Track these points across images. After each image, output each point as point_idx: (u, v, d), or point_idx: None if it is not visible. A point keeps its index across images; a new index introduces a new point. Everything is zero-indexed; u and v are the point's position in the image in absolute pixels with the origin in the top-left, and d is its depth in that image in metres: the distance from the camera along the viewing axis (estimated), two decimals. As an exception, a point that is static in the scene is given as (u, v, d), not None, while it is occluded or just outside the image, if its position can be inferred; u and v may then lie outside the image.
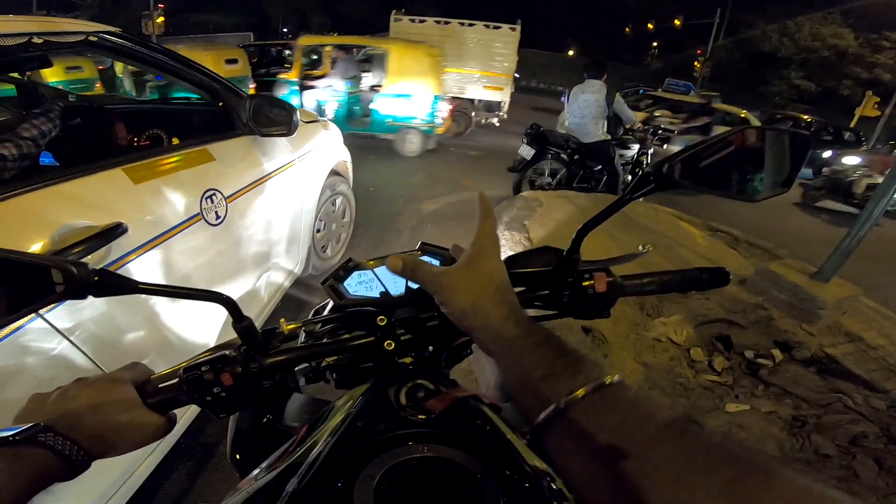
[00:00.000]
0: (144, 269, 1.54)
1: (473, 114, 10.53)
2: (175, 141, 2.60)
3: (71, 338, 1.27)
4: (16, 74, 2.42)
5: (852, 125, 15.63)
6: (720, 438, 0.36)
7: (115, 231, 1.39)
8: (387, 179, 6.69)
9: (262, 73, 9.29)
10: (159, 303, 1.61)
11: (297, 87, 8.07)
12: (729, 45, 32.73)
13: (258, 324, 0.65)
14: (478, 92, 10.31)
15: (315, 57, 9.79)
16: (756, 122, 11.02)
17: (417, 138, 8.06)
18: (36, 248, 1.21)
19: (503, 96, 10.42)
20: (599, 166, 5.69)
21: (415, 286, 0.71)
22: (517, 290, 0.72)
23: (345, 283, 0.74)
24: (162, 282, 1.61)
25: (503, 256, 0.64)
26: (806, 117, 14.35)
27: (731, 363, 2.84)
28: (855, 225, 3.30)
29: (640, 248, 0.79)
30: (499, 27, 9.96)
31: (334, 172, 3.43)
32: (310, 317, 0.80)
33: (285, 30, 35.05)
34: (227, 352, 0.63)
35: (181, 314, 1.71)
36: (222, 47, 10.93)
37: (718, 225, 5.40)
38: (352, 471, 0.45)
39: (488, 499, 0.44)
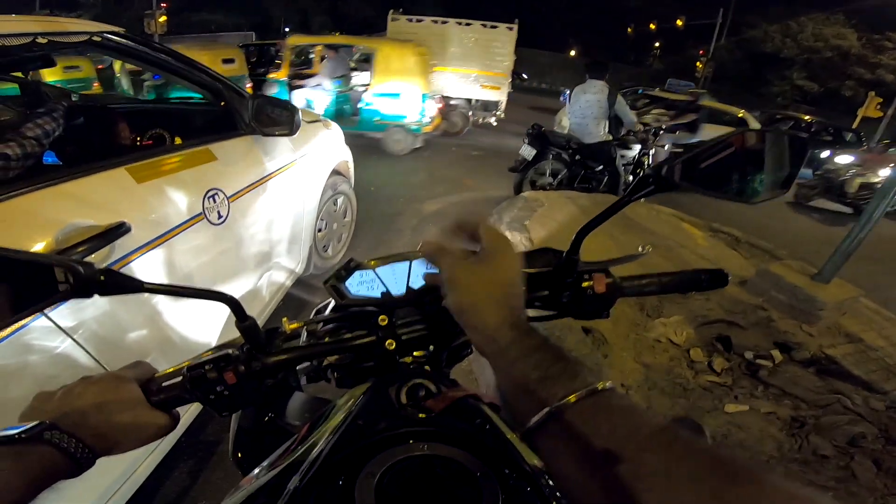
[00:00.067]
0: (147, 268, 1.55)
1: (471, 113, 10.54)
2: (178, 140, 2.60)
3: (74, 336, 1.28)
4: (18, 74, 2.44)
5: (854, 126, 15.59)
6: (711, 444, 0.37)
7: (118, 230, 1.40)
8: (388, 179, 6.69)
9: (261, 72, 9.30)
10: (162, 302, 1.62)
11: (286, 87, 8.11)
12: (731, 46, 32.69)
13: (260, 323, 0.66)
14: (475, 91, 10.29)
15: (308, 56, 9.82)
16: (753, 122, 11.00)
17: (404, 137, 8.09)
18: (40, 247, 1.22)
19: (500, 96, 10.40)
20: (601, 167, 5.68)
21: (416, 286, 0.72)
22: None
23: (346, 283, 0.75)
24: (164, 281, 1.62)
25: None
26: (806, 117, 14.34)
27: (731, 364, 2.84)
28: (855, 226, 3.30)
29: (640, 249, 0.79)
30: (496, 26, 9.94)
31: (336, 172, 3.44)
32: (311, 316, 0.81)
33: (287, 29, 34.94)
34: (230, 351, 0.63)
35: (183, 313, 1.72)
36: (219, 47, 10.97)
37: (719, 226, 5.39)
38: (353, 469, 0.46)
39: (488, 497, 0.45)
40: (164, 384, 0.64)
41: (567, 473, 0.41)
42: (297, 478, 0.47)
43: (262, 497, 0.50)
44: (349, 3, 36.76)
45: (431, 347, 0.71)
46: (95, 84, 9.54)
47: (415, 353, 0.70)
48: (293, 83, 8.23)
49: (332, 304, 0.80)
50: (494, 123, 10.88)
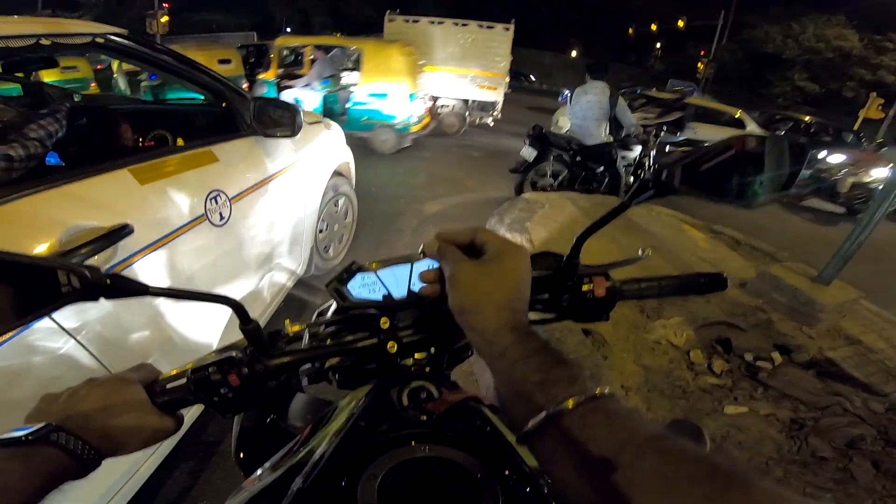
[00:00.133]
0: (150, 269, 1.55)
1: (467, 114, 10.56)
2: (180, 142, 2.61)
3: (77, 337, 1.29)
4: (20, 74, 2.45)
5: (856, 127, 15.55)
6: (707, 451, 0.37)
7: (121, 232, 1.41)
8: (389, 180, 6.70)
9: (259, 72, 9.33)
10: (164, 303, 1.62)
11: (274, 87, 8.17)
12: (732, 47, 32.68)
13: (262, 324, 0.66)
14: (472, 92, 10.31)
15: (299, 57, 9.85)
16: (750, 121, 10.99)
17: (392, 136, 8.10)
18: (44, 247, 1.23)
19: (497, 96, 10.40)
20: (601, 168, 5.68)
21: (417, 289, 0.73)
22: None
23: (348, 286, 0.75)
24: (167, 282, 1.63)
25: None
26: (806, 118, 14.30)
27: (731, 366, 2.84)
28: (855, 228, 3.30)
29: (640, 252, 0.80)
30: (492, 27, 9.92)
31: (337, 173, 3.44)
32: (313, 318, 0.81)
33: (288, 30, 35.05)
34: (233, 353, 0.64)
35: (185, 315, 1.73)
36: (215, 47, 11.03)
37: (720, 227, 5.39)
38: (355, 470, 0.47)
39: (488, 498, 0.45)
40: (167, 386, 0.64)
41: (564, 478, 0.41)
42: (300, 479, 0.48)
43: (266, 498, 0.51)
44: (350, 3, 36.78)
45: (432, 350, 0.71)
46: (93, 84, 9.57)
47: (416, 356, 0.70)
48: (282, 83, 8.27)
49: (334, 306, 0.80)
50: (491, 124, 10.91)
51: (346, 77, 9.18)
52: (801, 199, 8.73)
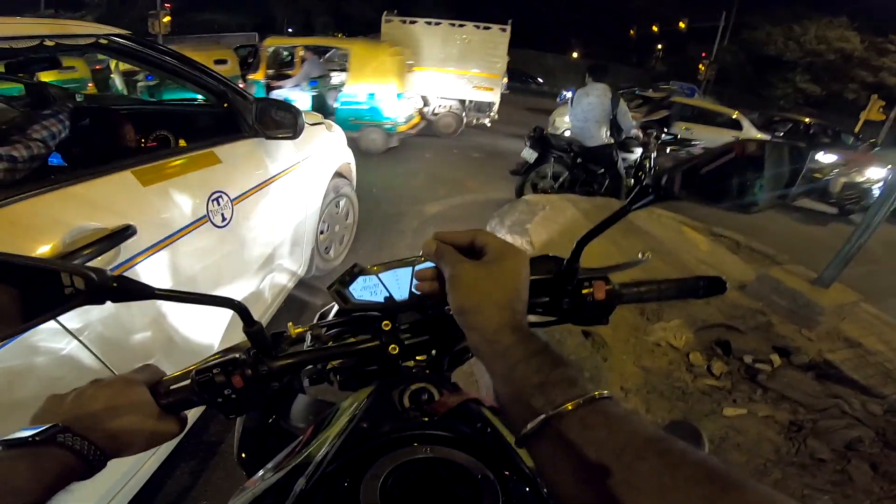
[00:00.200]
0: (152, 270, 1.56)
1: (464, 114, 10.58)
2: (182, 143, 2.62)
3: (80, 338, 1.30)
4: (23, 75, 2.46)
5: (857, 129, 15.55)
6: (704, 454, 0.37)
7: (124, 233, 1.41)
8: (389, 181, 6.70)
9: (248, 73, 9.33)
10: (166, 304, 1.62)
11: (263, 88, 8.18)
12: (734, 48, 32.64)
13: (262, 323, 0.67)
14: (468, 92, 10.32)
15: (290, 57, 9.87)
16: (747, 123, 10.99)
17: (380, 136, 8.12)
18: (46, 248, 1.23)
19: (493, 97, 10.41)
20: (602, 170, 5.68)
21: (418, 292, 0.73)
22: None
23: (350, 288, 0.76)
24: (169, 283, 1.64)
25: None
26: (806, 119, 14.30)
27: (730, 368, 2.85)
28: (855, 232, 3.31)
29: (640, 255, 0.80)
30: (489, 27, 9.92)
31: (338, 174, 3.45)
32: (315, 320, 0.82)
33: (290, 30, 35.07)
34: (236, 355, 0.64)
35: (187, 316, 1.74)
36: (212, 47, 11.06)
37: (721, 230, 5.40)
38: (358, 471, 0.47)
39: (488, 498, 0.46)
40: (171, 387, 0.64)
41: (562, 480, 0.41)
42: (303, 479, 0.48)
43: (270, 498, 0.52)
44: (352, 3, 36.78)
45: (433, 352, 0.72)
46: (90, 85, 9.55)
47: (417, 357, 0.71)
48: (271, 84, 8.29)
49: (336, 308, 0.81)
50: (488, 124, 10.92)
51: (337, 77, 9.20)
52: (792, 199, 8.72)
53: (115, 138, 2.52)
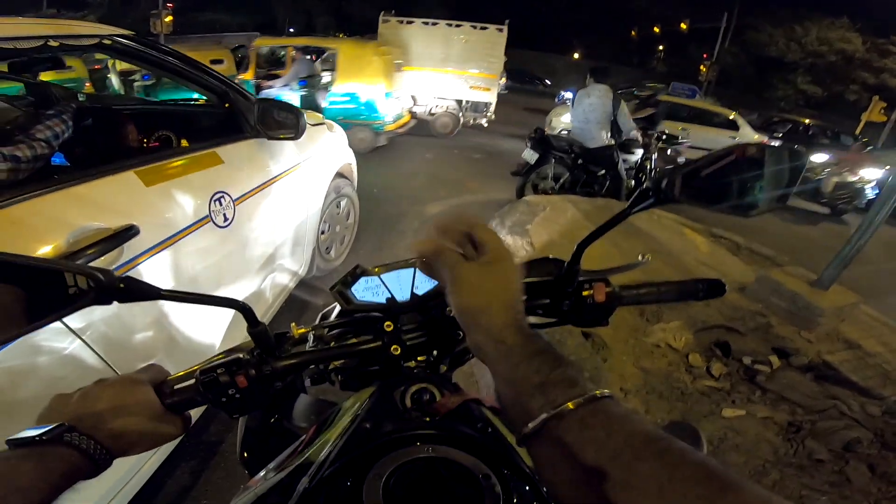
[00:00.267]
0: (155, 270, 1.57)
1: (461, 114, 10.60)
2: (184, 143, 2.63)
3: (83, 337, 1.30)
4: (27, 75, 2.47)
5: (858, 130, 15.55)
6: (703, 455, 0.37)
7: (127, 233, 1.42)
8: (390, 181, 6.70)
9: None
10: (168, 304, 1.63)
11: (252, 88, 8.21)
12: (735, 50, 32.60)
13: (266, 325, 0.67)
14: (465, 92, 10.34)
15: (280, 57, 9.91)
16: (744, 124, 10.99)
17: (368, 135, 8.14)
18: (48, 249, 1.24)
19: (490, 97, 10.44)
20: (603, 171, 5.68)
21: (420, 292, 0.74)
22: None
23: (352, 289, 0.77)
24: (172, 283, 1.64)
25: None
26: (806, 120, 14.27)
27: (729, 369, 2.86)
28: (855, 234, 3.31)
29: (640, 258, 0.81)
30: (485, 28, 9.94)
31: (339, 174, 3.46)
32: (317, 321, 0.82)
33: (291, 30, 35.06)
34: (240, 355, 0.64)
35: (189, 315, 1.75)
36: (209, 47, 11.11)
37: (721, 231, 5.40)
38: (360, 470, 0.48)
39: (489, 498, 0.47)
40: (176, 387, 0.65)
41: (562, 479, 0.42)
42: (306, 479, 0.49)
43: (273, 497, 0.52)
44: (353, 3, 36.76)
45: (435, 352, 0.73)
46: (87, 84, 9.55)
47: (418, 358, 0.72)
48: (261, 84, 8.31)
49: (338, 309, 0.82)
50: (485, 125, 10.94)
51: (328, 77, 9.24)
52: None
53: (118, 138, 2.53)
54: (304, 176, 2.75)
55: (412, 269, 0.74)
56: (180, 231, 1.69)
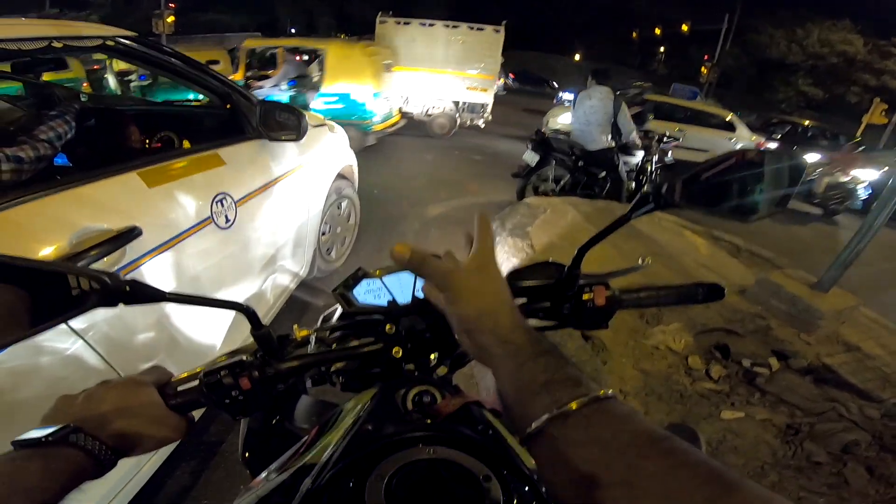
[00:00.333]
0: (157, 271, 1.58)
1: (458, 115, 10.61)
2: (186, 144, 2.63)
3: (85, 337, 1.31)
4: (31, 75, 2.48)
5: (859, 132, 15.53)
6: (706, 455, 0.38)
7: (130, 234, 1.43)
8: (391, 182, 6.71)
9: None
10: (169, 305, 1.63)
11: None
12: (737, 51, 32.60)
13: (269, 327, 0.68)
14: (462, 93, 10.37)
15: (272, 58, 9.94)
16: (741, 125, 10.98)
17: (356, 135, 8.11)
18: (51, 250, 1.24)
19: (487, 98, 10.47)
20: (603, 173, 5.68)
21: (421, 295, 0.75)
22: (520, 301, 0.75)
23: (354, 292, 0.77)
24: (173, 284, 1.65)
25: (505, 268, 0.67)
26: (805, 122, 14.26)
27: (729, 371, 2.86)
28: (854, 237, 3.32)
29: (640, 261, 0.81)
30: (482, 28, 9.96)
31: (340, 176, 3.46)
32: (318, 323, 0.83)
33: (293, 31, 35.10)
34: (244, 357, 0.65)
35: (190, 317, 1.75)
36: (205, 48, 11.16)
37: (721, 233, 5.40)
38: (363, 471, 0.49)
39: (489, 499, 0.48)
40: (179, 388, 0.65)
41: (565, 479, 0.42)
42: (309, 480, 0.50)
43: (277, 497, 0.53)
44: (354, 4, 36.78)
45: (436, 355, 0.74)
46: (84, 84, 9.57)
47: (420, 360, 0.72)
48: (251, 84, 8.33)
49: (339, 311, 0.83)
50: (482, 125, 10.95)
51: (318, 77, 9.28)
52: None
53: (120, 139, 2.53)
54: (305, 177, 2.76)
55: (413, 273, 0.75)
56: (182, 232, 1.70)
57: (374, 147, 8.07)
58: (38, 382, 1.19)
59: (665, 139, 6.22)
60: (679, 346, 2.98)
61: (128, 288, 0.53)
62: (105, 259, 1.34)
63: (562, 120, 10.65)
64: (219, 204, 1.92)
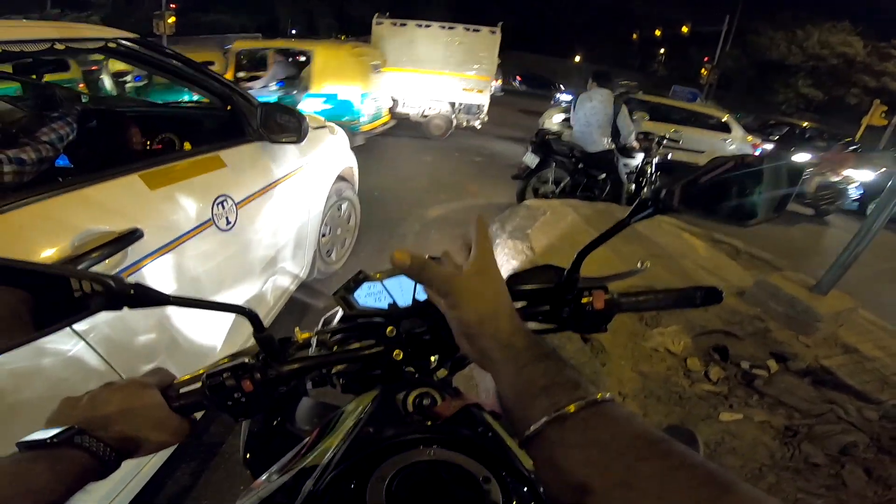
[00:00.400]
0: (158, 273, 1.58)
1: (454, 116, 10.61)
2: (187, 145, 2.64)
3: (87, 339, 1.31)
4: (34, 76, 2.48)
5: (859, 134, 15.54)
6: (704, 458, 0.39)
7: (131, 236, 1.44)
8: (391, 184, 6.72)
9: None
10: (170, 308, 1.63)
11: None
12: (736, 53, 32.61)
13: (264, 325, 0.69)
14: (458, 94, 10.37)
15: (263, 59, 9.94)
16: (736, 126, 10.98)
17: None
18: (53, 252, 1.25)
19: (483, 99, 10.48)
20: (603, 175, 5.69)
21: (421, 298, 0.75)
22: (519, 305, 0.76)
23: (355, 295, 0.78)
24: (174, 286, 1.66)
25: (505, 271, 0.67)
26: (803, 123, 14.26)
27: (727, 373, 2.87)
28: (853, 239, 3.32)
29: (639, 264, 0.82)
30: (478, 30, 9.97)
31: (341, 178, 3.47)
32: (319, 326, 0.84)
33: (293, 31, 35.11)
34: (246, 359, 0.65)
35: (191, 319, 1.76)
36: (201, 49, 11.18)
37: (720, 235, 5.41)
38: (364, 473, 0.49)
39: (489, 500, 0.48)
40: (182, 391, 0.65)
41: (563, 481, 0.42)
42: (310, 481, 0.50)
43: (279, 498, 0.54)
44: (354, 5, 36.77)
45: (436, 357, 0.74)
46: (81, 85, 9.56)
47: (420, 363, 0.73)
48: (241, 86, 8.33)
49: (340, 313, 0.83)
50: (478, 126, 10.95)
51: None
52: None
53: (122, 141, 2.54)
54: (305, 179, 2.76)
55: None
56: (183, 234, 1.70)
57: (373, 149, 8.07)
58: (40, 384, 1.20)
59: (665, 140, 6.22)
60: (678, 349, 2.99)
61: (132, 291, 0.53)
62: (107, 261, 1.35)
63: (556, 119, 10.65)
64: (220, 206, 1.93)
